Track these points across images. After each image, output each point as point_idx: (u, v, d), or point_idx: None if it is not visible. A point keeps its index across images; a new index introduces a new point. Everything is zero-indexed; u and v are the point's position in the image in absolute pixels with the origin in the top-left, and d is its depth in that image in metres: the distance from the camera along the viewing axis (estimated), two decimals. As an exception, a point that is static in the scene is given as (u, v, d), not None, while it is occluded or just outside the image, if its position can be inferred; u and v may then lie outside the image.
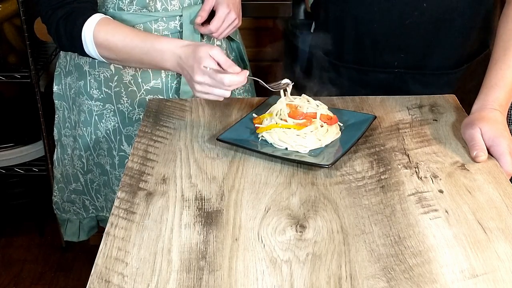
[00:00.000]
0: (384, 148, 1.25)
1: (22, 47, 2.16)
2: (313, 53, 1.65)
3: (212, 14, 1.48)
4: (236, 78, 1.19)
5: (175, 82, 1.52)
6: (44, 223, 2.52)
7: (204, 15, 1.47)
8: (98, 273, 0.94)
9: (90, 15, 1.30)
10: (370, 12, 1.45)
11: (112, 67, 1.48)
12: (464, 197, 1.09)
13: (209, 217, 1.06)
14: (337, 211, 1.06)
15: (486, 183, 1.13)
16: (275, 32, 2.16)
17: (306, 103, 1.30)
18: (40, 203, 2.51)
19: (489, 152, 1.20)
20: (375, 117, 1.31)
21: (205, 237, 1.01)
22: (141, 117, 1.47)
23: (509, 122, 1.55)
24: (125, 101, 1.51)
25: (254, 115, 1.33)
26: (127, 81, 1.49)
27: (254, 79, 1.27)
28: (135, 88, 1.50)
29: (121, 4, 1.42)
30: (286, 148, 1.23)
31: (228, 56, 1.62)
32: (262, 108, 1.34)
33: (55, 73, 1.62)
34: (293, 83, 1.30)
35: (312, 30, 1.68)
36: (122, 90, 1.50)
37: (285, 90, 1.30)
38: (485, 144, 1.20)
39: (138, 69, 1.47)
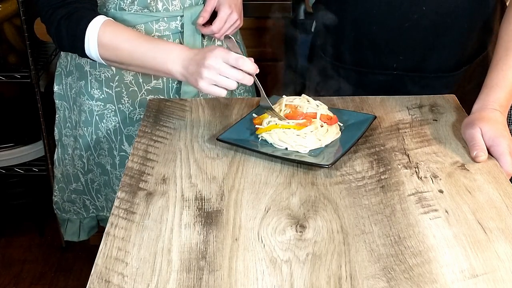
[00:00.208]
0: (384, 148, 1.25)
1: (22, 47, 2.16)
2: (313, 53, 1.65)
3: (213, 14, 1.48)
4: (249, 62, 1.18)
5: (176, 82, 1.52)
6: (44, 223, 2.52)
7: (206, 16, 1.47)
8: (98, 273, 0.94)
9: (94, 16, 1.30)
10: (370, 15, 1.45)
11: (113, 67, 1.48)
12: (464, 197, 1.09)
13: (209, 217, 1.06)
14: (337, 211, 1.06)
15: (486, 183, 1.13)
16: (275, 32, 2.16)
17: (306, 103, 1.30)
18: (40, 203, 2.51)
19: (489, 152, 1.20)
20: (375, 117, 1.31)
21: (205, 237, 1.01)
22: (142, 117, 1.47)
23: (509, 122, 1.55)
24: (126, 101, 1.51)
25: (254, 115, 1.33)
26: (128, 81, 1.49)
27: (256, 86, 1.27)
28: (136, 88, 1.50)
29: (122, 4, 1.42)
30: (286, 148, 1.23)
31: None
32: (262, 108, 1.34)
33: (55, 73, 1.62)
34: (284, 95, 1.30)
35: (312, 30, 1.68)
36: (123, 90, 1.50)
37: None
38: (485, 144, 1.20)
39: None
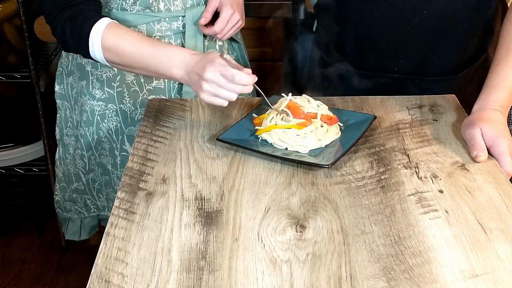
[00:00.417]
0: (384, 148, 1.25)
1: (22, 47, 2.16)
2: (314, 54, 1.65)
3: (215, 14, 1.48)
4: (246, 77, 1.19)
5: (177, 83, 1.51)
6: (44, 223, 2.52)
7: (208, 16, 1.47)
8: (98, 273, 0.94)
9: (98, 19, 1.30)
10: (371, 18, 1.45)
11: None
12: (464, 197, 1.09)
13: (209, 217, 1.06)
14: (337, 211, 1.06)
15: (486, 183, 1.13)
16: (276, 32, 2.16)
17: (307, 103, 1.30)
18: (40, 203, 2.51)
19: (489, 152, 1.20)
20: (375, 117, 1.31)
21: (205, 237, 1.01)
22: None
23: (510, 122, 1.55)
24: (127, 101, 1.51)
25: (254, 115, 1.33)
26: (129, 81, 1.49)
27: (257, 90, 1.27)
28: (137, 88, 1.50)
29: (124, 4, 1.42)
30: (286, 148, 1.23)
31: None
32: (262, 108, 1.34)
33: (56, 72, 1.62)
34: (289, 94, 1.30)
35: (314, 29, 1.68)
36: (125, 90, 1.50)
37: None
38: (485, 144, 1.20)
39: None
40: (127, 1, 1.42)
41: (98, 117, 1.54)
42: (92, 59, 1.34)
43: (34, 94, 2.18)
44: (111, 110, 1.52)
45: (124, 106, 1.52)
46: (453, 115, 1.36)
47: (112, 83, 1.50)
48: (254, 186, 1.13)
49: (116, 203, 1.09)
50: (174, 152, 1.24)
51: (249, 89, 1.21)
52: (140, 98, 1.50)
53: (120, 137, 1.55)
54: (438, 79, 1.49)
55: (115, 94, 1.50)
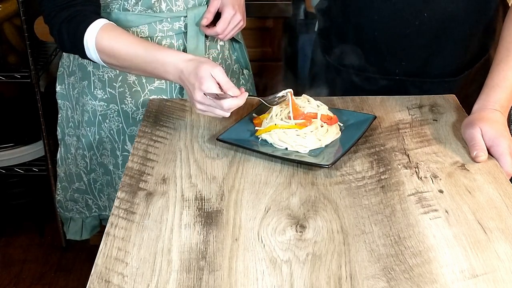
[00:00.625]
0: (384, 148, 1.25)
1: (22, 47, 2.16)
2: (315, 54, 1.65)
3: (216, 15, 1.48)
4: (235, 102, 1.19)
5: None
6: (44, 223, 2.52)
7: (210, 17, 1.47)
8: (98, 273, 0.94)
9: (94, 20, 1.29)
10: (372, 21, 1.45)
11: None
12: (464, 197, 1.09)
13: (209, 217, 1.06)
14: (337, 211, 1.06)
15: (486, 183, 1.13)
16: (276, 32, 2.16)
17: (307, 103, 1.30)
18: (40, 203, 2.51)
19: (489, 152, 1.20)
20: (375, 117, 1.31)
21: (205, 237, 1.01)
22: (144, 117, 1.48)
23: (510, 122, 1.55)
24: (129, 102, 1.51)
25: (254, 115, 1.33)
26: (131, 82, 1.49)
27: (254, 96, 1.27)
28: (139, 89, 1.50)
29: (126, 5, 1.42)
30: (286, 148, 1.23)
31: (230, 56, 1.63)
32: (262, 108, 1.34)
33: (58, 73, 1.62)
34: (290, 90, 1.30)
35: (316, 29, 1.68)
36: (126, 91, 1.50)
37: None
38: (485, 144, 1.20)
39: None
40: (129, 2, 1.42)
41: (99, 117, 1.54)
42: (90, 60, 1.34)
43: (34, 94, 2.18)
44: (112, 110, 1.52)
45: (125, 107, 1.52)
46: (453, 115, 1.37)
47: (114, 83, 1.50)
48: (254, 186, 1.13)
49: (116, 203, 1.09)
50: (174, 152, 1.24)
51: (242, 103, 1.21)
52: (142, 98, 1.50)
53: (121, 137, 1.55)
54: (439, 81, 1.49)
55: (116, 94, 1.50)
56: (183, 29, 1.48)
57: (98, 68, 1.49)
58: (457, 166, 1.18)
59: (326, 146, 1.24)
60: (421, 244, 0.98)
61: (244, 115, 1.34)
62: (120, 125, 1.54)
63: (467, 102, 1.39)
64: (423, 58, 1.47)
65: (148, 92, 1.50)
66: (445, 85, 1.49)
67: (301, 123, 1.25)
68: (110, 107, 1.52)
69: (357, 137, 1.24)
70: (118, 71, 1.48)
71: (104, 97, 1.51)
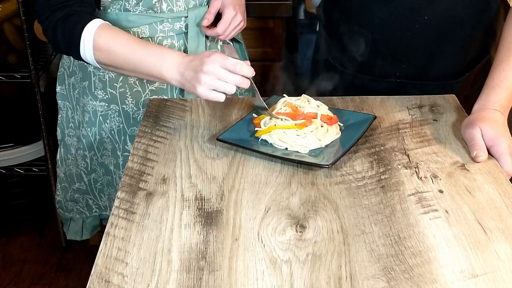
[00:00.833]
0: (384, 148, 1.25)
1: (22, 47, 2.16)
2: (315, 55, 1.65)
3: (217, 15, 1.48)
4: (247, 67, 1.19)
5: None
6: (44, 223, 2.52)
7: (210, 18, 1.47)
8: (98, 273, 0.94)
9: (90, 20, 1.29)
10: (372, 24, 1.45)
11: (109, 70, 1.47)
12: (464, 197, 1.09)
13: (209, 217, 1.06)
14: (337, 211, 1.06)
15: (486, 183, 1.13)
16: (276, 32, 2.16)
17: (307, 103, 1.30)
18: (40, 203, 2.51)
19: (489, 152, 1.20)
20: (375, 117, 1.31)
21: (205, 237, 1.01)
22: (144, 117, 1.47)
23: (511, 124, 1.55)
24: (130, 102, 1.51)
25: (254, 115, 1.33)
26: (132, 82, 1.49)
27: (253, 88, 1.27)
28: (140, 89, 1.50)
29: (127, 5, 1.42)
30: (286, 148, 1.23)
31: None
32: (256, 109, 1.34)
33: (58, 73, 1.62)
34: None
35: (317, 29, 1.68)
36: (127, 91, 1.50)
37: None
38: (485, 144, 1.20)
39: None
40: (130, 2, 1.42)
41: (100, 117, 1.54)
42: (82, 60, 1.34)
43: (34, 94, 2.18)
44: (113, 111, 1.52)
45: (126, 107, 1.51)
46: (453, 115, 1.37)
47: (115, 84, 1.50)
48: (254, 186, 1.13)
49: (116, 203, 1.09)
50: (174, 152, 1.24)
51: (246, 83, 1.20)
52: (143, 98, 1.50)
53: (122, 138, 1.55)
54: (440, 83, 1.49)
55: (117, 94, 1.50)
56: (183, 29, 1.48)
57: (99, 69, 1.49)
58: (457, 166, 1.18)
59: (326, 146, 1.24)
60: (421, 244, 0.98)
61: (244, 115, 1.34)
62: (121, 125, 1.54)
63: (468, 103, 1.39)
64: (424, 61, 1.47)
65: (148, 93, 1.50)
66: (446, 87, 1.49)
67: (301, 123, 1.25)
68: (111, 107, 1.52)
69: (357, 137, 1.24)
70: None
71: (104, 98, 1.51)
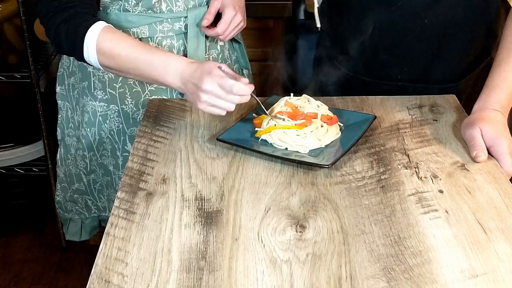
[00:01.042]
0: (384, 148, 1.25)
1: (22, 47, 2.16)
2: (316, 57, 1.65)
3: (217, 15, 1.48)
4: (244, 87, 1.18)
5: None
6: (44, 223, 2.52)
7: (210, 18, 1.47)
8: (98, 273, 0.94)
9: (94, 22, 1.29)
10: (372, 27, 1.45)
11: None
12: (464, 197, 1.09)
13: (209, 217, 1.06)
14: (337, 211, 1.06)
15: (486, 183, 1.13)
16: (276, 32, 2.16)
17: (307, 103, 1.30)
18: (40, 203, 2.51)
19: (489, 152, 1.20)
20: (375, 117, 1.31)
21: (205, 237, 1.01)
22: (144, 117, 1.47)
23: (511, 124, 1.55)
24: (129, 102, 1.51)
25: (254, 115, 1.33)
26: (131, 82, 1.49)
27: (254, 98, 1.27)
28: (139, 89, 1.50)
29: (126, 5, 1.42)
30: (286, 148, 1.23)
31: (230, 56, 1.63)
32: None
33: (58, 73, 1.62)
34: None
35: (319, 29, 1.67)
36: (127, 91, 1.50)
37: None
38: (485, 144, 1.20)
39: None
40: (130, 2, 1.41)
41: (100, 118, 1.54)
42: (85, 62, 1.34)
43: (34, 94, 2.18)
44: (113, 111, 1.52)
45: (126, 107, 1.51)
46: (453, 115, 1.37)
47: (114, 84, 1.49)
48: (254, 186, 1.13)
49: (116, 203, 1.09)
50: (174, 152, 1.24)
51: (246, 99, 1.21)
52: (142, 99, 1.50)
53: (122, 138, 1.55)
54: (442, 86, 1.49)
55: (117, 95, 1.50)
56: (183, 29, 1.48)
57: (99, 69, 1.49)
58: (457, 166, 1.18)
59: (326, 146, 1.24)
60: (421, 244, 0.98)
61: (244, 115, 1.34)
62: (121, 125, 1.54)
63: (470, 105, 1.39)
64: (425, 64, 1.47)
65: (148, 93, 1.50)
66: (447, 90, 1.49)
67: (301, 123, 1.25)
68: (111, 107, 1.52)
69: (357, 137, 1.24)
70: None
71: (104, 98, 1.51)
